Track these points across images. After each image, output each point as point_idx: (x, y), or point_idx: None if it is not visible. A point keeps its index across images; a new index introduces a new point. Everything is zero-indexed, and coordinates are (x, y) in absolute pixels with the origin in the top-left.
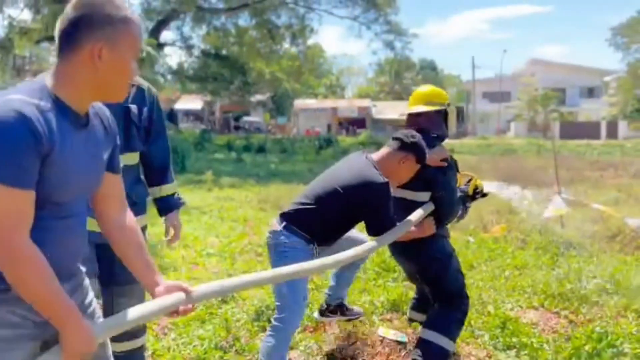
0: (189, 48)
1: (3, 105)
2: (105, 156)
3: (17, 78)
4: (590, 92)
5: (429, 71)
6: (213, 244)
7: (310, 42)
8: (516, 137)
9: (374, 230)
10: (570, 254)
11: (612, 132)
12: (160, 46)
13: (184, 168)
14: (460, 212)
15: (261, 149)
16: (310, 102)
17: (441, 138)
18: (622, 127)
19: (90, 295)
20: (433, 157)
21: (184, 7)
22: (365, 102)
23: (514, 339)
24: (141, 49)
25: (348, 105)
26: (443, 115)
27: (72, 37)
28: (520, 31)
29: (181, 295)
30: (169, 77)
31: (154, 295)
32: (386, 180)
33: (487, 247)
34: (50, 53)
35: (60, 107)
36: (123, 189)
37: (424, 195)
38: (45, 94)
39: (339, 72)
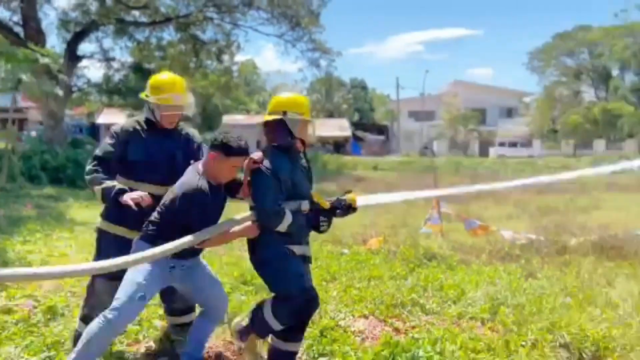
0: (108, 61)
1: None
2: None
3: None
4: (509, 113)
5: (359, 90)
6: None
7: (244, 58)
8: (438, 155)
9: None
10: (431, 264)
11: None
12: (77, 58)
13: None
14: (286, 221)
15: None
16: (239, 118)
17: (284, 147)
18: (537, 145)
19: None
20: (247, 161)
21: (104, 19)
22: None
23: (328, 347)
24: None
25: None
26: (285, 123)
27: None
28: (453, 53)
29: None
30: (90, 90)
31: None
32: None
33: (355, 259)
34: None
35: None
36: None
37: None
38: None
39: (274, 89)
